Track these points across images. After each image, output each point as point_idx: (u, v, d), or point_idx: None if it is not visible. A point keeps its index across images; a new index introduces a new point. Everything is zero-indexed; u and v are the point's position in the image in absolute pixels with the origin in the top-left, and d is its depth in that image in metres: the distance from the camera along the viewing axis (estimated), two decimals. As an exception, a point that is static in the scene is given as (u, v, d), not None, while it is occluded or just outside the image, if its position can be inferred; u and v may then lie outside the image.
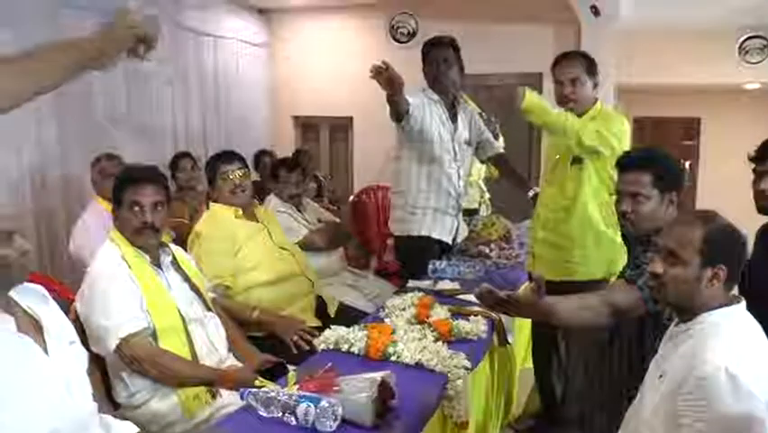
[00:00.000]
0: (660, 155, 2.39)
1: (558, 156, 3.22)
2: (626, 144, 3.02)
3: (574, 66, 3.08)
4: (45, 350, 1.82)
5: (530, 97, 2.94)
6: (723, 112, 9.86)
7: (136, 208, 2.49)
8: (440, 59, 3.68)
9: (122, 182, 2.56)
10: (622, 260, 2.72)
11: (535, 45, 6.24)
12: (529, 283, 2.22)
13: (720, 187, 9.01)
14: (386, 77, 3.12)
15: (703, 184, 10.45)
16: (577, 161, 3.10)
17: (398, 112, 3.46)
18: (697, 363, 1.60)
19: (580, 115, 3.06)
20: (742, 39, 6.54)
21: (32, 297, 1.90)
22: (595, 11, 5.36)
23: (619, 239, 2.87)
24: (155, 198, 2.53)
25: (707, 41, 6.61)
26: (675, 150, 10.37)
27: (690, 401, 1.59)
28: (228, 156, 3.35)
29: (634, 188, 2.31)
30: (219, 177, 3.28)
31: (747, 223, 2.52)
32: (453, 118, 3.76)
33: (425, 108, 3.63)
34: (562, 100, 3.10)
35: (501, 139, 4.91)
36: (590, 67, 3.11)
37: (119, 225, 2.54)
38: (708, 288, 1.73)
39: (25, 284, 1.88)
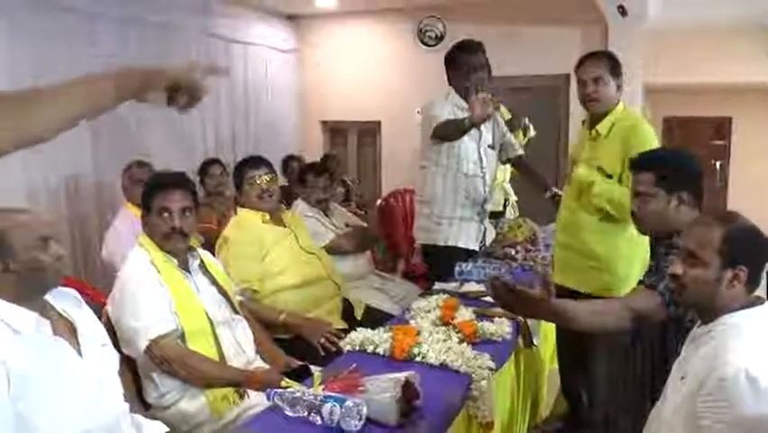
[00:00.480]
0: (666, 155, 2.42)
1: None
2: None
3: (598, 65, 3.05)
4: (79, 352, 1.88)
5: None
6: (754, 111, 9.73)
7: (165, 214, 2.54)
8: (476, 65, 3.68)
9: (151, 188, 2.62)
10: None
11: (563, 46, 6.22)
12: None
13: (752, 186, 8.93)
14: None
15: (735, 184, 10.31)
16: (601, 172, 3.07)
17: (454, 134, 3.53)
18: (717, 364, 1.60)
19: (603, 116, 3.05)
20: (773, 36, 6.47)
21: (66, 300, 1.97)
22: (622, 11, 5.32)
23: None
24: (183, 204, 2.58)
25: (736, 39, 6.53)
26: (705, 150, 10.28)
27: (711, 402, 1.58)
28: (255, 161, 3.40)
29: (637, 187, 2.34)
30: (246, 182, 3.33)
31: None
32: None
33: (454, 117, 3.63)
34: (585, 99, 3.08)
35: (533, 132, 4.91)
36: (615, 67, 3.06)
37: (148, 230, 2.59)
38: (729, 289, 1.73)
39: (60, 288, 1.94)
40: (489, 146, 3.81)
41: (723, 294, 1.74)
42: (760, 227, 1.82)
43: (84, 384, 1.87)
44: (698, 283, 1.77)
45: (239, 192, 3.42)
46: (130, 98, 1.53)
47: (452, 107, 3.68)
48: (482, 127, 3.74)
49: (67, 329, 1.92)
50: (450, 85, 3.80)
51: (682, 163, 2.36)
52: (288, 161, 6.03)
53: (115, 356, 2.10)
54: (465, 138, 3.64)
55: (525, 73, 6.24)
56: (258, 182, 3.31)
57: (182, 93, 1.59)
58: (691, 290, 1.79)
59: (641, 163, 2.38)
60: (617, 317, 2.22)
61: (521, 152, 4.03)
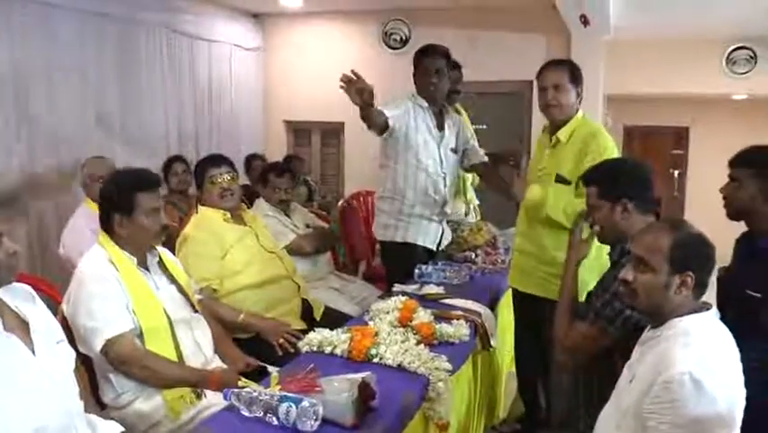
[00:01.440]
0: (608, 167, 2.54)
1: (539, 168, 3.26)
2: None
3: (558, 73, 3.10)
4: (32, 349, 1.86)
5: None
6: (711, 121, 9.95)
7: (153, 215, 2.53)
8: (432, 69, 3.71)
9: (135, 188, 2.53)
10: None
11: (527, 54, 6.29)
12: None
13: (708, 195, 9.09)
14: (356, 88, 3.12)
15: (691, 192, 10.53)
16: (561, 179, 3.11)
17: (376, 126, 3.49)
18: (664, 367, 1.65)
19: (563, 123, 3.10)
20: (729, 50, 6.61)
21: (19, 296, 1.94)
22: (584, 20, 5.39)
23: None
24: (161, 201, 2.61)
25: (695, 51, 6.68)
26: (664, 159, 10.48)
27: (656, 404, 1.64)
28: (216, 160, 3.39)
29: (587, 200, 2.48)
30: (207, 180, 3.32)
31: (735, 230, 2.59)
32: (441, 126, 3.79)
33: (412, 116, 3.67)
34: (545, 106, 3.12)
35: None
36: (575, 75, 3.11)
37: (130, 230, 2.51)
38: (677, 294, 1.79)
39: (13, 284, 1.92)
40: (451, 149, 3.84)
41: (671, 299, 1.80)
42: (714, 234, 1.89)
43: (36, 381, 1.84)
44: (647, 289, 1.83)
45: (200, 190, 3.41)
46: None
47: (411, 104, 3.71)
48: (446, 130, 3.79)
49: (19, 325, 1.90)
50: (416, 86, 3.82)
51: (624, 173, 2.45)
52: (250, 159, 5.99)
53: (71, 354, 2.07)
54: (427, 137, 3.69)
55: (489, 79, 6.31)
56: (219, 181, 3.30)
57: None
58: (642, 295, 1.85)
59: (586, 178, 2.51)
60: None
61: (485, 159, 4.06)
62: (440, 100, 3.81)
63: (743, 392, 1.73)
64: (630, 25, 6.03)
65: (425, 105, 3.73)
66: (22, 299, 1.96)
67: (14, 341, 1.83)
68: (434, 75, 3.70)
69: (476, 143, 4.12)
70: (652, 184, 2.45)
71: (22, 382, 1.80)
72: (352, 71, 3.14)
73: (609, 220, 2.39)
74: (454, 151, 3.88)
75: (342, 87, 3.16)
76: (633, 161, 2.55)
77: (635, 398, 1.71)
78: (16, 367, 1.80)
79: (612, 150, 3.03)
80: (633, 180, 2.43)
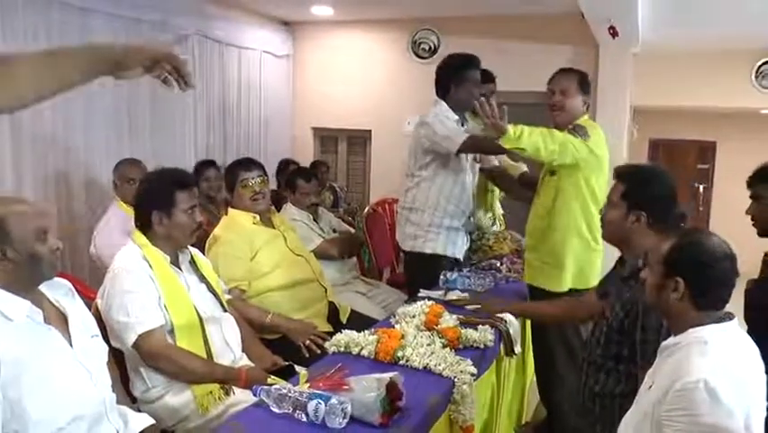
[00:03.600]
0: (641, 170, 2.60)
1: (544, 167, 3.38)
2: (602, 152, 3.25)
3: (566, 78, 3.33)
4: (70, 342, 1.92)
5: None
6: (738, 136, 9.86)
7: (190, 212, 2.61)
8: (478, 81, 3.77)
9: (173, 187, 2.62)
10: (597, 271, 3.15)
11: (554, 65, 6.20)
12: None
13: (734, 210, 9.00)
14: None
15: (716, 207, 10.45)
16: (551, 172, 3.28)
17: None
18: (679, 375, 1.67)
19: (564, 127, 3.25)
20: (759, 63, 6.56)
21: (59, 291, 2.02)
22: (613, 32, 5.39)
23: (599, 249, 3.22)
24: (196, 200, 2.70)
25: (723, 64, 6.62)
26: (689, 173, 10.40)
27: (672, 411, 1.65)
28: (248, 164, 3.45)
29: (610, 194, 2.53)
30: (240, 184, 3.37)
31: (763, 244, 2.59)
32: None
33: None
34: (551, 108, 3.34)
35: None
36: (583, 84, 3.33)
37: (167, 229, 2.59)
38: (673, 298, 1.82)
39: (54, 279, 1.98)
40: (473, 159, 3.88)
41: (671, 304, 1.83)
42: (740, 248, 1.89)
43: (73, 372, 1.91)
44: (648, 288, 1.91)
45: (231, 193, 3.45)
46: (107, 73, 1.61)
47: (443, 117, 3.69)
48: None
49: (58, 318, 1.96)
50: (439, 94, 3.81)
51: (655, 183, 2.47)
52: (285, 164, 5.99)
53: (104, 348, 2.14)
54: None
55: (516, 89, 6.29)
56: (251, 184, 3.36)
57: (166, 69, 1.64)
58: (648, 294, 1.93)
59: (620, 171, 2.55)
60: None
61: (497, 162, 4.10)
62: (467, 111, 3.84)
63: (764, 405, 1.72)
64: (659, 38, 6.01)
65: (455, 116, 3.74)
66: (63, 293, 2.03)
67: (54, 333, 1.90)
68: (480, 87, 3.74)
69: None
70: (674, 203, 2.47)
71: (60, 373, 1.87)
72: None
73: (620, 222, 2.45)
74: (476, 159, 3.90)
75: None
76: (668, 177, 2.55)
77: (653, 405, 1.72)
78: (56, 358, 1.87)
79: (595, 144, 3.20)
80: (658, 195, 2.45)
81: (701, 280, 1.80)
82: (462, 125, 3.79)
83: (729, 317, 1.83)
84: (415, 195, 3.82)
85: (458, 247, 3.86)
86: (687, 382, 1.63)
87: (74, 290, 2.10)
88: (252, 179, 3.37)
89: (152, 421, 2.16)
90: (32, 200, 2.05)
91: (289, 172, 4.66)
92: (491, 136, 3.21)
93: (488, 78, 4.18)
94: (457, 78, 3.75)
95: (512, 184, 4.08)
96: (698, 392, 1.60)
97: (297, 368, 2.67)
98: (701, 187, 10.68)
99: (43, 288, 1.97)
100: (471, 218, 3.93)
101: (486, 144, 3.51)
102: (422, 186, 3.77)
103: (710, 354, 1.69)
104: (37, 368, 1.80)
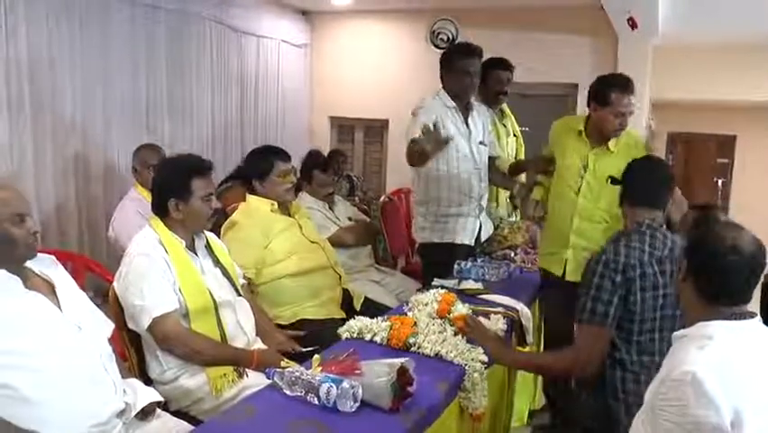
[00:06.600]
0: (634, 167, 2.69)
1: (584, 171, 3.32)
2: None
3: (633, 99, 3.20)
4: (58, 306, 2.05)
5: None
6: (759, 130, 9.77)
7: (207, 199, 2.65)
8: (470, 70, 3.72)
9: (189, 174, 2.63)
10: None
11: (573, 56, 6.29)
12: None
13: (754, 204, 8.94)
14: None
15: (735, 201, 10.37)
16: (615, 181, 3.18)
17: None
18: (675, 365, 1.68)
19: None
20: (779, 56, 6.51)
21: (43, 264, 2.13)
22: (632, 23, 5.36)
23: None
24: (213, 186, 2.76)
25: (743, 57, 6.57)
26: (709, 167, 10.33)
27: (663, 400, 1.66)
28: (283, 155, 3.46)
29: None
30: (276, 173, 3.39)
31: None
32: (466, 122, 3.78)
33: (440, 119, 3.60)
34: (617, 129, 3.22)
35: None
36: None
37: (185, 214, 2.61)
38: (686, 291, 1.84)
39: (39, 255, 2.11)
40: (480, 143, 3.85)
41: (684, 295, 1.86)
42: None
43: (66, 331, 2.01)
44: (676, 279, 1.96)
45: (259, 180, 3.44)
46: None
47: (440, 104, 3.72)
48: (471, 125, 3.80)
49: (44, 286, 2.07)
50: (442, 83, 3.83)
51: (634, 179, 2.64)
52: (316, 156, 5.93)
53: (105, 321, 2.27)
54: (457, 137, 3.68)
55: (535, 81, 6.29)
56: (289, 177, 3.43)
57: None
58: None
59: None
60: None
61: (497, 153, 4.11)
62: (469, 98, 3.83)
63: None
64: (678, 30, 5.98)
65: (452, 104, 3.74)
66: (46, 265, 2.14)
67: (40, 298, 2.01)
68: (472, 76, 3.73)
69: (494, 139, 4.18)
70: (658, 187, 2.59)
71: (51, 333, 1.97)
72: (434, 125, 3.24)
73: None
74: (483, 143, 3.88)
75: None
76: (657, 165, 2.74)
77: (652, 393, 1.74)
78: (46, 319, 1.98)
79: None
80: (634, 181, 2.63)
81: (704, 273, 1.79)
82: (467, 108, 3.82)
83: (745, 315, 1.77)
84: (420, 188, 3.86)
85: (467, 234, 3.83)
86: (679, 372, 1.63)
87: (57, 261, 2.19)
88: (290, 171, 3.42)
89: (160, 398, 2.24)
90: (13, 187, 2.13)
91: (305, 162, 4.67)
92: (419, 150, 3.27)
93: (505, 66, 4.19)
94: (446, 67, 3.80)
95: (494, 174, 4.06)
96: (684, 384, 1.60)
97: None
98: (720, 181, 10.61)
99: (29, 263, 2.06)
100: (482, 201, 3.90)
101: (408, 154, 3.45)
102: (422, 177, 3.81)
103: (709, 348, 1.67)
104: (23, 326, 1.91)
